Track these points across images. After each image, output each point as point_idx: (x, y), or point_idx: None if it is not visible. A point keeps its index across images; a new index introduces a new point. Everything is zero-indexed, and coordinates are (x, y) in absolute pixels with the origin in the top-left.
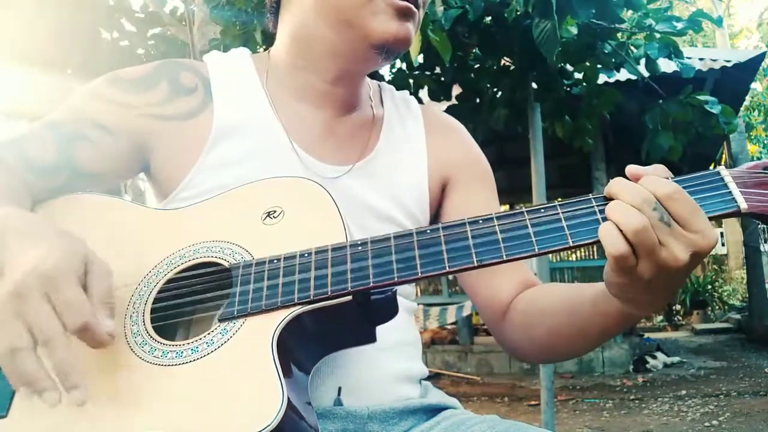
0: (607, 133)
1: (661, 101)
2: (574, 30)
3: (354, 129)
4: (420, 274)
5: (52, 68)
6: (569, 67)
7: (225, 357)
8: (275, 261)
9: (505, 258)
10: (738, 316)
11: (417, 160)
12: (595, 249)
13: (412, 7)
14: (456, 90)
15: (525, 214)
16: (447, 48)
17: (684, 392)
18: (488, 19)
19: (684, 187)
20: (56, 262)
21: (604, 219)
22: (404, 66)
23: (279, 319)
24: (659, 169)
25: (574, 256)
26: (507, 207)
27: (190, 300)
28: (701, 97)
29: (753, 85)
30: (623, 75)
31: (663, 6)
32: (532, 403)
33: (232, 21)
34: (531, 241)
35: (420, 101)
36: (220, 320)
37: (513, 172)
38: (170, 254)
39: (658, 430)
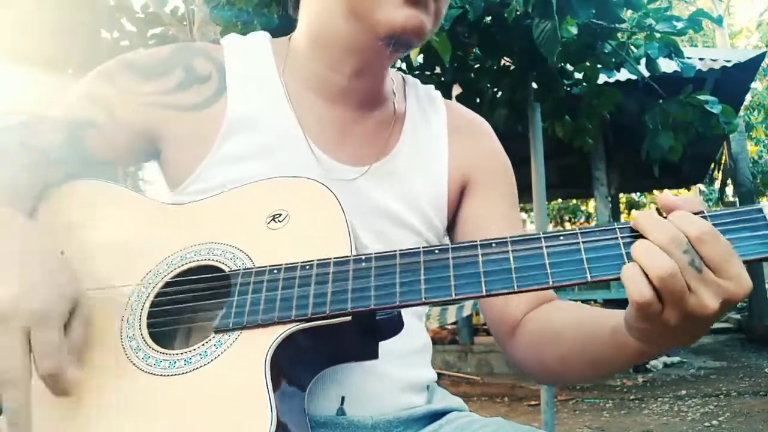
0: (607, 133)
1: (661, 101)
2: (574, 30)
3: (374, 127)
4: (424, 300)
5: (52, 68)
6: (569, 67)
7: (217, 371)
8: (275, 271)
9: (516, 289)
10: (738, 316)
11: (438, 161)
12: None
13: None
14: (456, 90)
15: (542, 240)
16: (447, 48)
17: (684, 392)
18: (488, 19)
19: (719, 224)
20: (47, 298)
21: (628, 254)
22: (404, 66)
23: (274, 335)
24: (693, 203)
25: None
26: None
27: (187, 306)
28: (701, 97)
29: (753, 85)
30: (623, 75)
31: (663, 6)
32: (532, 403)
33: (232, 21)
34: (546, 273)
35: None
36: (216, 331)
37: (513, 171)
38: (171, 254)
39: (658, 430)
